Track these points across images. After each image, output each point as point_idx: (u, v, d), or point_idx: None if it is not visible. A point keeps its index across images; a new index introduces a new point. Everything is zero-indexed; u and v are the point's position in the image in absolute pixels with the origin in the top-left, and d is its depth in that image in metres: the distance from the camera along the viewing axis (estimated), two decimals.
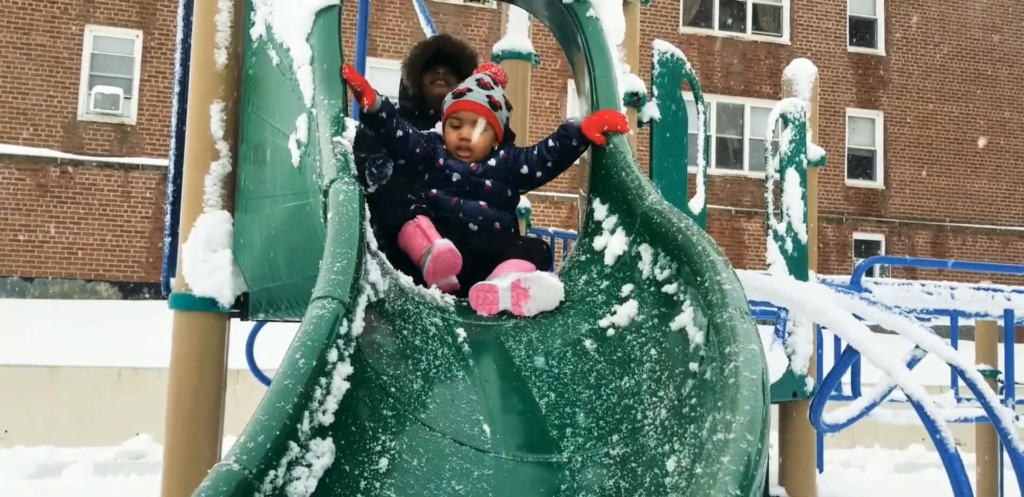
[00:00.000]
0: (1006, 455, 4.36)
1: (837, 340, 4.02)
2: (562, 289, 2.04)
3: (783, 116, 3.40)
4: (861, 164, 19.41)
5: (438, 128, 2.55)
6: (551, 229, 7.96)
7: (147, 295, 15.25)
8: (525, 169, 2.47)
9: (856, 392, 3.84)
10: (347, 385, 1.47)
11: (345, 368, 1.48)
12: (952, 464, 2.56)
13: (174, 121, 2.69)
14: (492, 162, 2.47)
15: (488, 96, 2.49)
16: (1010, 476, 4.51)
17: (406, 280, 1.98)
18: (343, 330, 1.48)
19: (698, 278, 1.62)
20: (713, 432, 1.22)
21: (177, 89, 2.63)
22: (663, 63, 2.91)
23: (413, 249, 2.25)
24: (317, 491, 1.35)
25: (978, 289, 4.26)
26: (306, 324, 1.44)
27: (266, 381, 3.71)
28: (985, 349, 5.78)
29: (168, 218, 2.67)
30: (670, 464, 1.42)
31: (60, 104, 15.12)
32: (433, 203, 2.39)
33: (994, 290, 4.23)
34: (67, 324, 12.16)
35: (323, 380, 1.41)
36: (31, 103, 14.98)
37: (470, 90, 2.49)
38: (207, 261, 2.45)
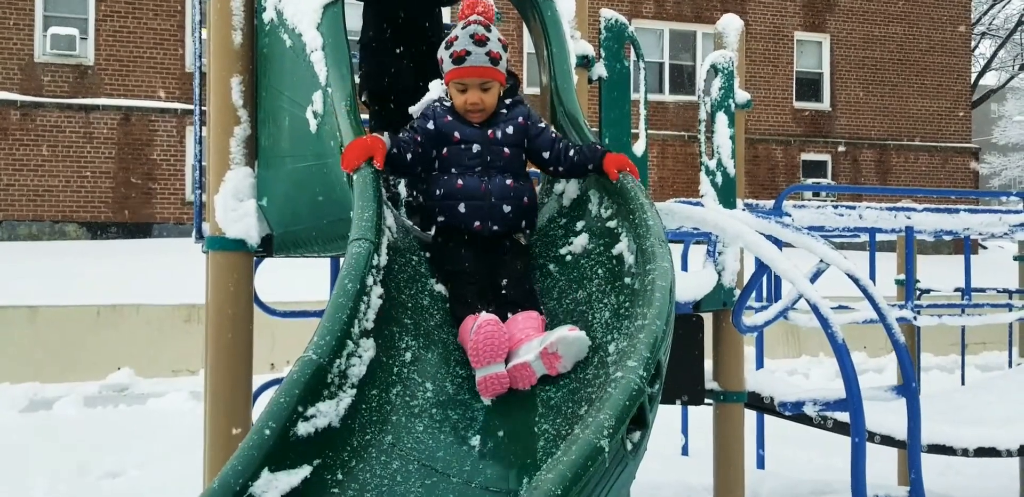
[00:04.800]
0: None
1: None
2: (586, 339, 2.06)
3: (713, 66, 3.91)
4: (809, 87, 19.93)
5: (433, 93, 2.49)
6: None
7: (114, 234, 15.55)
8: (547, 155, 2.46)
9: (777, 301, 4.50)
10: (380, 301, 2.03)
11: (378, 289, 2.03)
12: (840, 352, 3.20)
13: (197, 92, 3.17)
14: (510, 130, 2.42)
15: (487, 52, 2.37)
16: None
17: (410, 224, 2.53)
18: (375, 262, 2.03)
19: (631, 216, 2.19)
20: (636, 320, 1.82)
21: (198, 64, 3.10)
22: (609, 28, 3.40)
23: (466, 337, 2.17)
24: (366, 374, 1.93)
25: (886, 209, 4.92)
26: (348, 259, 1.99)
27: (267, 310, 4.28)
28: (904, 261, 6.55)
29: (196, 174, 3.16)
30: (611, 348, 2.02)
31: (16, 46, 15.01)
32: (461, 194, 2.35)
33: (899, 209, 4.88)
34: (40, 265, 12.39)
35: (365, 298, 1.95)
36: None
37: (468, 53, 2.37)
38: (236, 209, 2.95)
